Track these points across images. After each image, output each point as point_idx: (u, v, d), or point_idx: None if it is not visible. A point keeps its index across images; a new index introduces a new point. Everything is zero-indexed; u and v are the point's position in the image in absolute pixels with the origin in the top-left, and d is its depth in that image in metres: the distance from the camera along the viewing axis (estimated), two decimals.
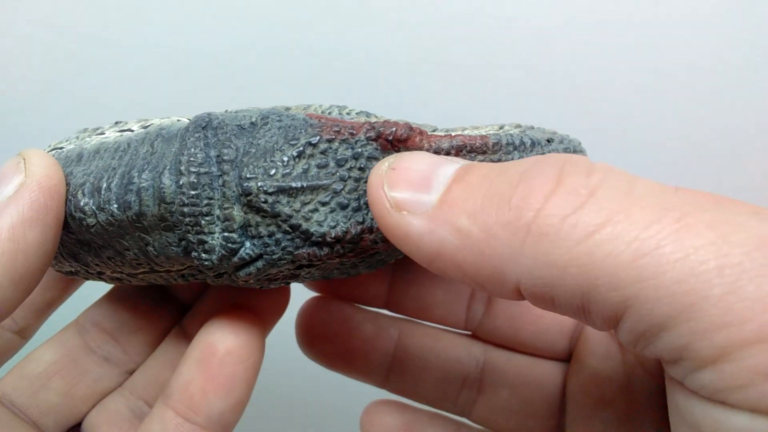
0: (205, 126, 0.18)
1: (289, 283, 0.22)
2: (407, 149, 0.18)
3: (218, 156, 0.17)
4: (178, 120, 0.20)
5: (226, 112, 0.20)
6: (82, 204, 0.18)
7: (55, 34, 0.36)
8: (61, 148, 0.21)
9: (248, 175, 0.17)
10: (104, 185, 0.18)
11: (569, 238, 0.13)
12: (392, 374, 0.26)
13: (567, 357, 0.25)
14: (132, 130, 0.20)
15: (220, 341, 0.20)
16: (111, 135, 0.20)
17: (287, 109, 0.20)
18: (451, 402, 0.25)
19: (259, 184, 0.17)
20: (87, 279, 0.22)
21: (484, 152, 0.19)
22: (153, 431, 0.20)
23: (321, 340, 0.26)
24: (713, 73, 0.34)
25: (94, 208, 0.18)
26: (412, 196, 0.16)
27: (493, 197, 0.14)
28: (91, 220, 0.18)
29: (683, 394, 0.14)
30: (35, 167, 0.18)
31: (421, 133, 0.18)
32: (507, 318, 0.25)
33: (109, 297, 0.26)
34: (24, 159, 0.18)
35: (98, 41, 0.36)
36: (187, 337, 0.25)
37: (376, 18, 0.34)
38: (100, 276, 0.22)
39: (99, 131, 0.21)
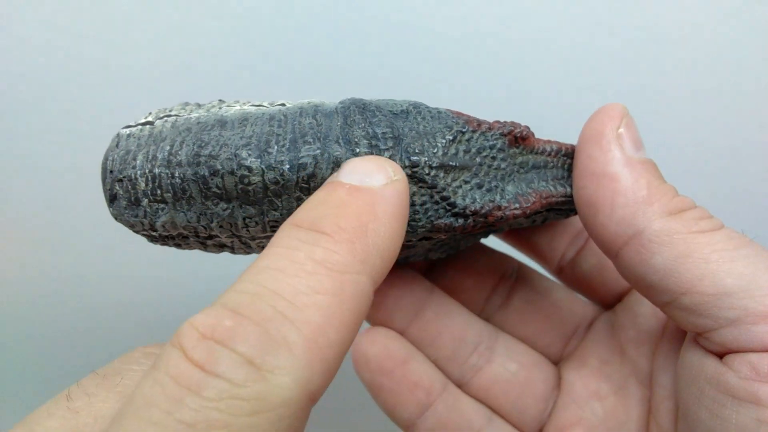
0: (363, 107, 0.21)
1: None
2: (524, 147, 0.22)
3: (384, 133, 0.20)
4: (321, 102, 0.22)
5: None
6: (248, 162, 0.19)
7: (55, 35, 0.35)
8: (173, 114, 0.22)
9: (416, 150, 0.20)
10: (275, 148, 0.19)
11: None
12: (417, 322, 0.26)
13: (557, 358, 0.27)
14: (264, 106, 0.22)
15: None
16: (249, 108, 0.22)
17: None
18: (459, 364, 0.26)
19: (425, 159, 0.20)
20: (178, 245, 0.22)
21: (571, 157, 0.23)
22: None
23: None
24: (713, 74, 0.35)
25: (263, 167, 0.19)
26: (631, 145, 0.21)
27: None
28: (254, 178, 0.19)
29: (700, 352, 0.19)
30: (400, 173, 0.19)
31: (533, 135, 0.22)
32: (519, 312, 0.27)
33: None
34: (386, 163, 0.19)
35: (98, 41, 0.35)
36: None
37: (376, 18, 0.35)
38: (203, 243, 0.22)
39: (204, 107, 0.22)
